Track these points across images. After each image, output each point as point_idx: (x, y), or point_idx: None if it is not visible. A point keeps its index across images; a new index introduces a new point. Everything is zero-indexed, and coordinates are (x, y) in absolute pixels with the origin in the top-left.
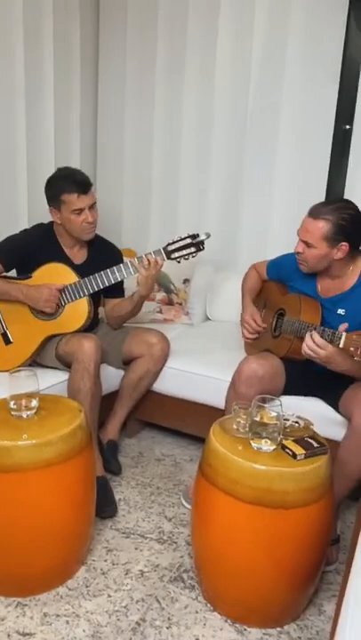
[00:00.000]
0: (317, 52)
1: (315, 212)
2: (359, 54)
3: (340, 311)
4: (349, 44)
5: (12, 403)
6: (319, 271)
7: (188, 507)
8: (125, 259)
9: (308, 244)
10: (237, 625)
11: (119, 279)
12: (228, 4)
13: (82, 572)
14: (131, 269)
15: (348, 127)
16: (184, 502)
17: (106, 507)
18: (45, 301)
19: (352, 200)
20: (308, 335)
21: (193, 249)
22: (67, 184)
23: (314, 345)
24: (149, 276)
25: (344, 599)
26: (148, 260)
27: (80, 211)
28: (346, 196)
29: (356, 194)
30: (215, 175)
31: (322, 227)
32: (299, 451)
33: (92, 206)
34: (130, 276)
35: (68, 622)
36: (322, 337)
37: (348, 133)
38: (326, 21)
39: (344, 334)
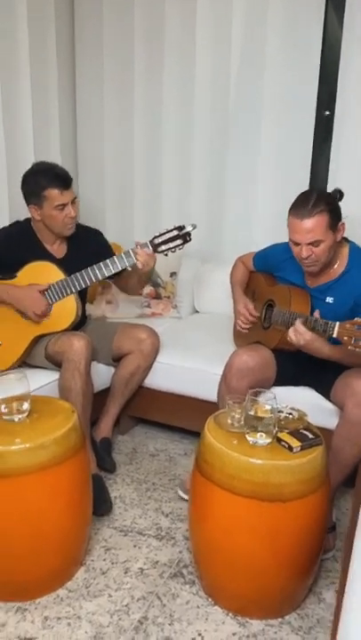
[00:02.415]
0: (297, 39)
1: (305, 212)
2: (338, 41)
3: (329, 299)
4: (328, 30)
5: (2, 406)
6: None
7: (186, 497)
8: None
9: (314, 244)
10: (239, 617)
11: (107, 275)
12: None
13: (81, 572)
14: (118, 264)
15: (327, 113)
16: (181, 493)
17: (101, 504)
18: (33, 303)
19: (336, 185)
20: (297, 322)
21: (180, 241)
22: (48, 179)
23: (295, 332)
24: (148, 269)
25: (346, 585)
26: (146, 253)
27: (63, 206)
28: (330, 182)
29: (340, 179)
30: (198, 166)
31: (322, 219)
32: (294, 443)
33: (74, 201)
34: (117, 270)
35: (69, 624)
36: (314, 327)
37: (330, 119)
38: (305, 8)
39: (337, 324)
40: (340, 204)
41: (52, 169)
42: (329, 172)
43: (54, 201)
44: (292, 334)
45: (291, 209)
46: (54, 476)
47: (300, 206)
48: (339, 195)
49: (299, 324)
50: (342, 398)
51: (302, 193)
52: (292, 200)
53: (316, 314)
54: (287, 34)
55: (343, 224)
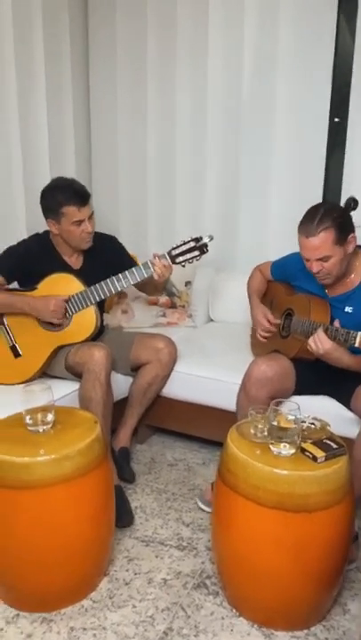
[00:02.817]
0: (309, 45)
1: (311, 230)
2: (350, 48)
3: (348, 309)
4: (340, 37)
5: (27, 417)
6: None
7: (207, 509)
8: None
9: (323, 259)
10: (264, 629)
11: (125, 286)
12: (218, 1)
13: (105, 583)
14: (137, 275)
15: (337, 120)
16: (201, 505)
17: (123, 516)
18: (53, 312)
19: (351, 193)
20: (318, 330)
21: (197, 252)
22: (66, 196)
23: (318, 341)
24: (163, 280)
25: None
26: (163, 265)
27: (80, 222)
28: (344, 190)
29: (354, 187)
30: (212, 176)
31: (328, 236)
32: (319, 453)
33: (91, 216)
34: (135, 282)
35: (95, 635)
36: (335, 337)
37: (342, 126)
38: (317, 14)
39: (359, 333)
40: (356, 211)
41: (70, 185)
42: (343, 180)
43: (72, 217)
44: (312, 343)
45: (299, 225)
46: (78, 487)
47: (307, 223)
48: (353, 203)
49: (321, 333)
50: None
51: (310, 208)
52: (306, 209)
53: (337, 323)
54: (299, 38)
55: (354, 236)
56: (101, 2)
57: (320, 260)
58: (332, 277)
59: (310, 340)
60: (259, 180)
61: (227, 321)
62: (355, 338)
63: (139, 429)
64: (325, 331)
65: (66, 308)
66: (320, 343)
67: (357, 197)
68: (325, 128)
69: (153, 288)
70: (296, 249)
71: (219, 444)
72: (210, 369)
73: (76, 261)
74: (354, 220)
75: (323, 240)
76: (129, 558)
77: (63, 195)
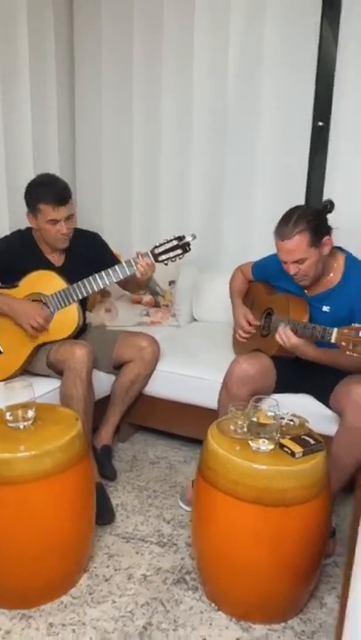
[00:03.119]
0: (293, 50)
1: (286, 233)
2: (333, 53)
3: (325, 308)
4: (323, 43)
5: (8, 414)
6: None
7: (187, 508)
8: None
9: (299, 262)
10: (242, 623)
11: (108, 284)
12: (203, 4)
13: (84, 579)
14: (119, 273)
15: (321, 124)
16: (182, 504)
17: (104, 513)
18: (29, 317)
19: (331, 197)
20: (281, 326)
21: (180, 251)
22: (44, 194)
23: (283, 335)
24: (146, 278)
25: (350, 590)
26: (147, 263)
27: (55, 221)
28: (326, 192)
29: (336, 189)
30: (197, 176)
31: (302, 239)
32: (297, 449)
33: (70, 217)
34: (118, 279)
35: (74, 631)
36: (312, 333)
37: (324, 130)
38: (301, 20)
39: (335, 330)
40: (337, 213)
41: (50, 183)
42: (325, 182)
43: (47, 215)
44: (278, 337)
45: (275, 229)
46: (59, 483)
47: (282, 227)
48: (330, 205)
49: (286, 329)
50: (341, 405)
51: (286, 212)
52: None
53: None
54: (284, 42)
55: (329, 238)
56: (86, 1)
57: (296, 262)
58: (310, 279)
59: (276, 336)
60: (243, 181)
61: (210, 320)
62: (331, 334)
63: (121, 427)
64: (291, 327)
65: (47, 319)
66: (286, 338)
67: (339, 199)
68: (309, 131)
69: (136, 286)
70: None
71: (200, 442)
72: (192, 367)
73: (58, 258)
74: (331, 222)
75: (298, 243)
76: (109, 555)
77: (42, 191)
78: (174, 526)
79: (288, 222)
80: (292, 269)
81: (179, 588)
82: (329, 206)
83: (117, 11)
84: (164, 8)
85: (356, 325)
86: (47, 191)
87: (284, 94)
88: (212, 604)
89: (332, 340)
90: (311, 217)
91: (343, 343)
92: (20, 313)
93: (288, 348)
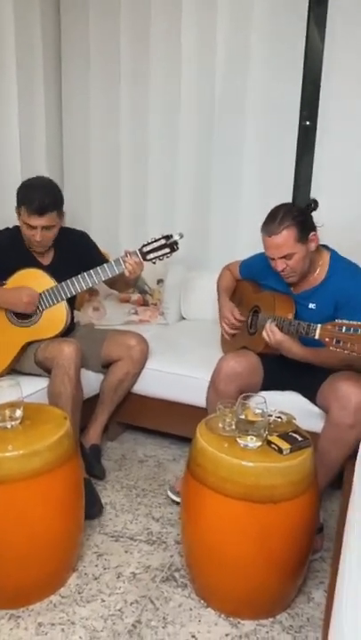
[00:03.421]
0: (281, 50)
1: (273, 229)
2: (320, 54)
3: (311, 306)
4: (310, 43)
5: None
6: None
7: (177, 499)
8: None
9: (287, 257)
10: (231, 619)
11: (97, 282)
12: (190, 3)
13: (73, 578)
14: (108, 271)
15: (308, 123)
16: (171, 495)
17: (91, 507)
18: (26, 303)
19: (317, 196)
20: (268, 322)
21: (167, 249)
22: (25, 198)
23: (269, 331)
24: (135, 277)
25: (337, 585)
26: (135, 262)
27: (31, 227)
28: (313, 192)
29: (323, 188)
30: (184, 175)
31: (290, 234)
32: (284, 445)
33: (48, 228)
34: (107, 278)
35: (63, 630)
36: (297, 330)
37: (311, 130)
38: (288, 21)
39: (319, 326)
40: (324, 212)
41: (35, 191)
42: (312, 182)
43: (24, 219)
44: (264, 333)
45: (262, 227)
46: (47, 483)
47: (269, 223)
48: (314, 204)
49: (272, 325)
50: (328, 402)
51: (271, 210)
52: None
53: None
54: (271, 42)
55: (315, 234)
56: (74, 2)
57: (284, 257)
58: (297, 275)
59: (263, 331)
60: (230, 180)
61: (198, 318)
62: (315, 330)
63: (110, 426)
64: (277, 324)
65: (38, 301)
66: (271, 334)
67: (325, 198)
68: (295, 131)
69: (124, 284)
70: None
71: (189, 441)
72: (181, 366)
73: (46, 257)
74: (316, 221)
75: (285, 238)
76: (98, 554)
77: (25, 195)
78: (163, 524)
79: (275, 219)
80: (279, 265)
81: (168, 586)
82: (313, 205)
83: (105, 10)
84: (151, 8)
85: (339, 322)
86: (28, 197)
87: (271, 94)
88: (202, 601)
89: (316, 337)
90: (297, 213)
91: (327, 339)
92: (9, 297)
93: (272, 344)
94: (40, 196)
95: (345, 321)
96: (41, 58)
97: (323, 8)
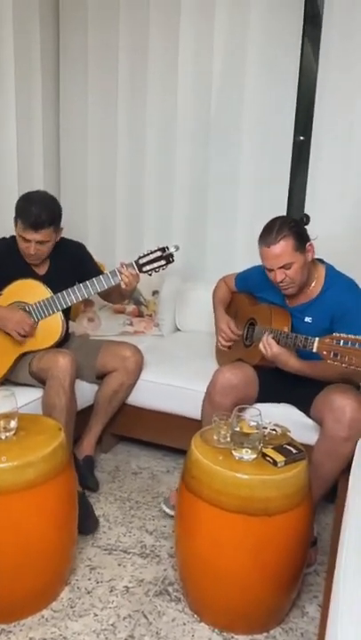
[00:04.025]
0: (276, 66)
1: (271, 239)
2: (314, 71)
3: (308, 319)
4: (304, 60)
5: None
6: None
7: (171, 513)
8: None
9: (285, 267)
10: (225, 633)
11: (93, 293)
12: (187, 20)
13: (66, 592)
14: (104, 283)
15: (302, 138)
16: (166, 509)
17: (86, 522)
18: (16, 324)
19: (312, 211)
20: (266, 335)
21: (163, 262)
22: (22, 212)
23: (266, 344)
24: (131, 288)
25: (331, 599)
26: (131, 273)
27: (25, 239)
28: (307, 206)
29: (317, 204)
30: (180, 187)
31: (288, 243)
32: (279, 458)
33: (42, 242)
34: (102, 289)
35: None
36: (295, 343)
37: (305, 145)
38: (283, 38)
39: (317, 339)
40: (318, 225)
41: (32, 205)
42: (306, 195)
43: (19, 231)
44: (261, 346)
45: (259, 239)
46: (41, 494)
47: (266, 235)
48: (305, 219)
49: (269, 338)
50: (322, 414)
51: (267, 223)
52: None
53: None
54: (266, 58)
55: (311, 244)
56: (72, 15)
57: (282, 267)
58: (296, 286)
59: (260, 344)
60: (226, 193)
61: (193, 330)
62: (313, 343)
63: (103, 438)
64: (274, 336)
65: (30, 327)
66: (268, 347)
67: (319, 211)
68: (290, 146)
69: (118, 296)
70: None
71: (184, 452)
72: (176, 377)
73: (41, 267)
74: (309, 233)
75: (283, 248)
76: (91, 567)
77: (22, 208)
78: (157, 537)
79: (272, 230)
80: (279, 276)
81: (161, 600)
82: (305, 219)
83: (103, 25)
84: (149, 23)
85: (337, 335)
86: (25, 211)
87: (267, 110)
88: (195, 616)
89: (314, 350)
90: (293, 224)
91: (325, 352)
92: (7, 319)
93: (269, 357)
94: (37, 211)
95: (343, 334)
96: (39, 71)
97: (317, 27)
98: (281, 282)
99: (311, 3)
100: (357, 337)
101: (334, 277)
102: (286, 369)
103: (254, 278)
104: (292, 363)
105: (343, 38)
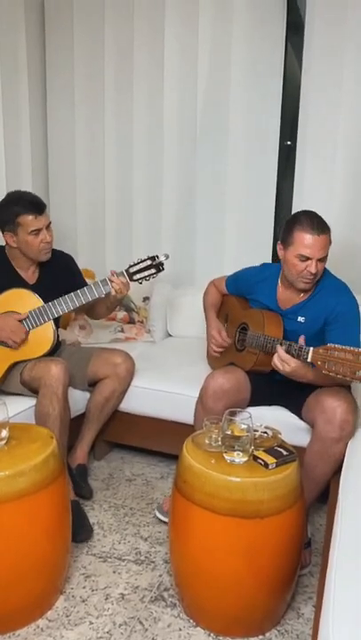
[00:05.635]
0: (261, 72)
1: (321, 228)
2: (298, 78)
3: (300, 319)
4: (288, 66)
5: None
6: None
7: (165, 519)
8: (89, 281)
9: (322, 259)
10: (221, 638)
11: (84, 302)
12: (172, 31)
13: (61, 601)
14: (95, 292)
15: (289, 143)
16: (159, 515)
17: (80, 530)
18: (11, 332)
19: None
20: (278, 349)
21: (153, 270)
22: (22, 206)
23: (280, 360)
24: (121, 297)
25: (323, 599)
26: (122, 282)
27: (38, 231)
28: (294, 207)
29: (304, 206)
30: (168, 194)
31: (328, 237)
32: (270, 460)
33: (48, 226)
34: (94, 298)
35: None
36: (289, 352)
37: (292, 149)
38: (267, 45)
39: (311, 349)
40: None
41: (24, 196)
42: (293, 199)
43: (29, 227)
44: (278, 363)
45: (302, 227)
46: (34, 503)
47: (315, 223)
48: None
49: (282, 352)
50: (313, 416)
51: (306, 212)
52: (260, 226)
53: (302, 340)
54: (251, 64)
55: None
56: (58, 25)
57: (320, 259)
58: (314, 281)
59: (276, 361)
60: (214, 198)
61: (185, 336)
62: (307, 353)
63: (96, 445)
64: (286, 348)
65: (25, 333)
66: (286, 363)
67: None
68: (277, 151)
69: (104, 309)
70: (250, 264)
71: (177, 458)
72: (168, 383)
73: (31, 276)
74: None
75: (327, 240)
76: (86, 575)
77: (18, 205)
78: (152, 543)
79: (320, 220)
80: (314, 267)
81: (157, 606)
82: None
83: (89, 34)
84: (134, 30)
85: (331, 346)
86: (24, 203)
87: (253, 116)
88: (191, 621)
89: (308, 359)
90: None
91: (319, 363)
92: (1, 328)
93: (287, 374)
94: (32, 196)
95: (337, 345)
96: (26, 83)
97: (300, 35)
98: (315, 273)
99: (294, 11)
100: (353, 349)
101: (327, 280)
102: (303, 381)
103: (246, 280)
104: (310, 376)
105: (324, 45)
